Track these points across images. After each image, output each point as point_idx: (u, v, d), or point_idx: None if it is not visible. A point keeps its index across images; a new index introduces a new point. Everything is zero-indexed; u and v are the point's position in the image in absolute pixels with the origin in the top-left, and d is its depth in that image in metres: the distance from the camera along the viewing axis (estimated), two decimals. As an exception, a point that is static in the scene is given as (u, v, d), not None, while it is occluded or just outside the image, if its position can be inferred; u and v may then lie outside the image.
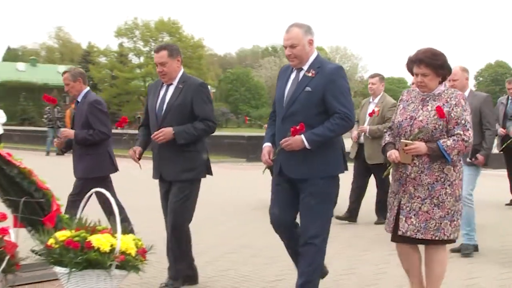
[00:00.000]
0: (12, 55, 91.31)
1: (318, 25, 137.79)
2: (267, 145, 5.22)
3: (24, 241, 5.36)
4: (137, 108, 69.26)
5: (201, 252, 7.46)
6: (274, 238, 5.39)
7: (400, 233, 4.75)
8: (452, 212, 4.72)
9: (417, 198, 4.71)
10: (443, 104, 4.69)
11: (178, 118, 5.75)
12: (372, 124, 9.05)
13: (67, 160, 8.90)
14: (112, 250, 4.42)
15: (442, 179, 4.68)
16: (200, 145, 5.95)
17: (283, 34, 5.08)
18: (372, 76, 9.64)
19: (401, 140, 4.73)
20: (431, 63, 4.68)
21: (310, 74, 5.05)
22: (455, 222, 4.75)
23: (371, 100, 9.52)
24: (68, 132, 7.57)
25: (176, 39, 69.40)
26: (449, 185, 4.69)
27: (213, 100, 6.60)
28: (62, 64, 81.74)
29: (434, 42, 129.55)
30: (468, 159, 7.01)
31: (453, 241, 4.89)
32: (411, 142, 4.63)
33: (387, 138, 5.02)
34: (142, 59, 71.10)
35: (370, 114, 8.93)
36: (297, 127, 4.82)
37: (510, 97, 10.75)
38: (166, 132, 5.67)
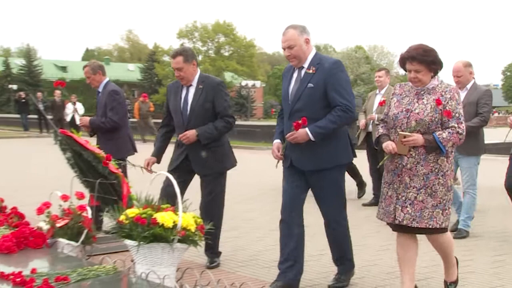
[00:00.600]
0: (89, 55, 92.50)
1: (358, 25, 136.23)
2: (276, 142, 5.11)
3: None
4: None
5: (252, 229, 7.54)
6: (315, 217, 5.38)
7: (396, 222, 4.56)
8: (444, 201, 4.51)
9: (413, 188, 4.49)
10: (439, 97, 4.48)
11: (202, 117, 5.61)
12: (380, 113, 8.81)
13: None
14: (175, 226, 4.48)
15: (436, 170, 4.47)
16: (223, 139, 5.89)
17: (281, 37, 4.91)
18: (379, 70, 9.46)
19: (400, 132, 4.51)
20: (423, 60, 4.46)
21: (311, 71, 4.89)
22: (446, 211, 4.54)
23: (377, 92, 9.29)
24: (84, 120, 7.52)
25: (231, 39, 69.53)
26: (442, 176, 4.48)
27: (262, 94, 6.63)
28: (132, 63, 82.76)
29: (462, 39, 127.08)
30: None
31: (445, 229, 4.63)
32: (409, 134, 4.44)
33: (381, 130, 4.79)
34: (200, 57, 71.38)
35: (381, 103, 8.65)
36: (300, 122, 4.71)
37: None
38: (190, 135, 5.57)
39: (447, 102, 4.45)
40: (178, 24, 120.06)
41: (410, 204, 4.48)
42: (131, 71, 78.84)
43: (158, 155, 5.96)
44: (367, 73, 69.94)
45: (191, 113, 5.74)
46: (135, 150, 7.61)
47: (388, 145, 4.55)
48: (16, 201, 6.43)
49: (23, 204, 6.61)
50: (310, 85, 4.83)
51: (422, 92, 4.56)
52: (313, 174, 4.95)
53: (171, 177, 4.85)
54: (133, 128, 25.67)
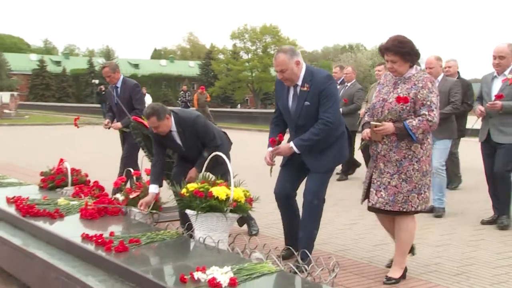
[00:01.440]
0: (157, 54, 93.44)
1: (385, 26, 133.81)
2: (269, 150, 4.66)
3: (165, 191, 5.54)
4: (246, 92, 69.59)
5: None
6: (351, 192, 5.29)
7: (370, 204, 4.25)
8: (420, 186, 4.12)
9: (387, 173, 4.14)
10: (411, 87, 4.10)
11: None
12: None
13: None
14: (227, 198, 4.51)
15: (409, 156, 4.09)
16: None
17: (273, 61, 4.55)
18: (379, 65, 9.02)
19: (371, 122, 4.21)
20: (398, 51, 4.09)
21: (305, 89, 4.53)
22: (422, 195, 4.15)
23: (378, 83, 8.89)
24: (116, 125, 7.36)
25: (276, 40, 69.13)
26: (416, 162, 4.09)
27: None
28: (192, 60, 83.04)
29: (461, 36, 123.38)
30: None
31: (420, 212, 4.25)
32: (379, 123, 4.10)
33: (366, 118, 4.44)
34: (250, 55, 71.25)
35: None
36: (276, 139, 4.52)
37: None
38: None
39: (419, 91, 4.07)
40: (231, 27, 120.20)
41: (384, 189, 4.15)
42: (191, 67, 79.15)
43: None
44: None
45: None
46: None
47: (363, 133, 4.31)
48: (97, 176, 6.57)
49: (103, 179, 6.73)
50: (307, 103, 4.51)
51: (399, 82, 4.21)
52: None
53: (224, 156, 4.86)
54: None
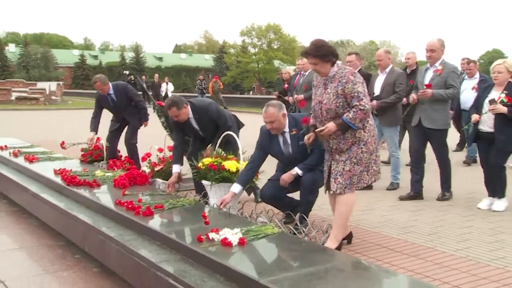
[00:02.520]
0: (178, 49, 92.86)
1: (371, 23, 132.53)
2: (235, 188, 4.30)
3: (184, 164, 5.52)
4: (253, 81, 69.25)
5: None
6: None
7: (331, 192, 3.94)
8: (369, 163, 3.89)
9: (341, 161, 3.88)
10: (337, 84, 3.82)
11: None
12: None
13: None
14: (237, 171, 4.49)
15: (357, 142, 3.85)
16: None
17: (263, 114, 4.39)
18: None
19: (316, 131, 3.94)
20: (315, 55, 3.83)
21: (294, 132, 4.41)
22: (371, 170, 3.92)
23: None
24: (145, 123, 7.08)
25: (278, 36, 68.59)
26: (363, 145, 3.86)
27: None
28: (207, 54, 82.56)
29: (450, 31, 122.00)
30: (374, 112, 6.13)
31: (370, 185, 4.07)
32: (322, 128, 3.84)
33: (311, 120, 4.13)
34: (256, 49, 70.75)
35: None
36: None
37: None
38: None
39: (344, 86, 3.79)
40: (241, 25, 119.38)
41: (340, 175, 3.86)
42: (207, 60, 78.54)
43: None
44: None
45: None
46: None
47: (305, 139, 4.07)
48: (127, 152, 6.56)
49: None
50: (301, 142, 4.29)
51: (327, 82, 3.91)
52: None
53: (234, 135, 4.83)
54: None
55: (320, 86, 4.00)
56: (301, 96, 8.38)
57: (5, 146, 7.46)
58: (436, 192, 5.89)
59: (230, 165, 4.53)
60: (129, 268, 3.40)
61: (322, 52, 3.84)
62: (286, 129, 4.45)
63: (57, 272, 3.82)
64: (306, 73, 8.87)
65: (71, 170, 5.50)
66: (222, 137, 4.94)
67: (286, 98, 8.87)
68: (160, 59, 76.08)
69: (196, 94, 28.35)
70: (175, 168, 5.14)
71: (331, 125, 3.83)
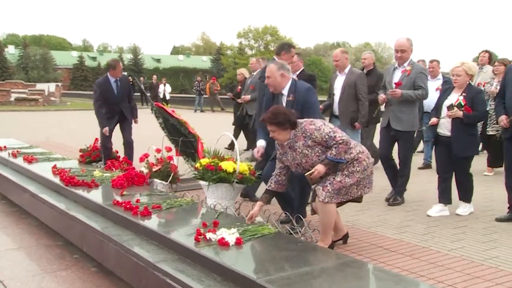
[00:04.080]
0: (175, 50, 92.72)
1: (367, 26, 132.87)
2: (261, 143, 4.55)
3: (182, 165, 5.52)
4: (250, 83, 69.29)
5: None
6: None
7: (320, 200, 3.77)
8: (360, 179, 3.82)
9: (332, 175, 3.77)
10: (305, 140, 3.75)
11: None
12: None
13: (203, 115, 8.98)
14: (234, 171, 4.48)
15: (349, 163, 3.78)
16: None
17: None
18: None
19: (305, 175, 3.80)
20: (272, 122, 3.78)
21: (290, 98, 4.41)
22: (361, 185, 3.84)
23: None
24: (130, 120, 7.18)
25: (275, 38, 68.65)
26: (356, 161, 3.79)
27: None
28: (204, 55, 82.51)
29: (443, 33, 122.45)
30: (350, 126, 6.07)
31: (354, 197, 3.90)
32: (310, 172, 3.75)
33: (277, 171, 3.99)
34: (253, 51, 70.82)
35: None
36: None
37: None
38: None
39: (312, 138, 3.73)
40: (238, 27, 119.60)
41: (329, 184, 3.76)
42: (204, 61, 78.45)
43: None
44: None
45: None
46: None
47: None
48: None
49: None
50: (292, 110, 4.21)
51: (291, 144, 3.82)
52: None
53: (231, 135, 4.83)
54: (205, 102, 25.84)
55: (287, 151, 3.88)
56: (248, 97, 8.24)
57: (4, 146, 7.43)
58: (429, 192, 5.89)
59: (227, 165, 4.52)
60: (127, 268, 3.39)
61: (278, 120, 3.77)
62: (285, 92, 4.46)
63: (56, 271, 3.80)
64: (254, 74, 8.61)
65: (69, 170, 5.48)
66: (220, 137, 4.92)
67: (240, 100, 8.62)
68: (158, 60, 76.00)
69: (192, 96, 28.37)
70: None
71: (320, 167, 3.73)
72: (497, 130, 6.91)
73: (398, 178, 5.60)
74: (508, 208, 5.00)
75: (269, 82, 4.47)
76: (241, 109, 8.78)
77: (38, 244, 4.47)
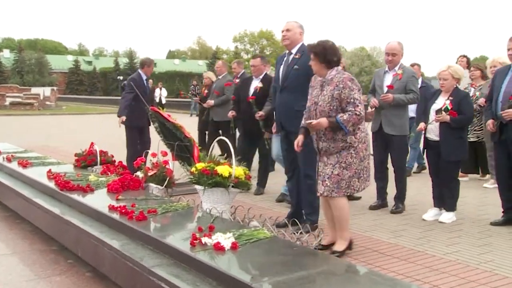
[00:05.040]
0: (171, 55, 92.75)
1: (363, 30, 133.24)
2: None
3: (178, 169, 5.50)
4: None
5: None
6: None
7: (318, 194, 3.96)
8: (359, 170, 3.85)
9: (329, 164, 3.86)
10: (334, 88, 3.82)
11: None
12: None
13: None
14: (230, 176, 4.47)
15: (347, 147, 3.82)
16: None
17: (284, 25, 4.71)
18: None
19: (306, 122, 3.95)
20: (312, 50, 3.94)
21: (297, 56, 4.58)
22: (362, 178, 3.88)
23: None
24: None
25: (271, 42, 68.97)
26: (353, 150, 3.82)
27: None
28: (200, 60, 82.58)
29: (438, 38, 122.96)
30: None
31: (359, 191, 3.97)
32: (311, 121, 3.85)
33: (303, 121, 4.10)
34: (249, 56, 70.98)
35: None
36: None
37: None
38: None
39: (341, 91, 3.79)
40: (233, 31, 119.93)
41: (328, 178, 3.85)
42: (200, 66, 78.35)
43: None
44: (369, 66, 68.13)
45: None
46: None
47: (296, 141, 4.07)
48: (121, 157, 6.53)
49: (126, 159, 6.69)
50: (296, 67, 4.54)
51: (324, 84, 3.92)
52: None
53: (227, 140, 4.82)
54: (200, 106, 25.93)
55: (316, 87, 4.00)
56: (212, 102, 8.06)
57: (-1, 151, 7.40)
58: (425, 196, 5.89)
59: (223, 169, 4.52)
60: (122, 273, 3.37)
61: (316, 50, 3.90)
62: (294, 51, 4.63)
63: (50, 277, 3.78)
64: (220, 77, 8.48)
65: (64, 174, 5.46)
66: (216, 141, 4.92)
67: (205, 105, 8.45)
68: (154, 64, 75.90)
69: (188, 100, 28.36)
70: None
71: (323, 120, 3.81)
72: (478, 137, 6.93)
73: (397, 184, 5.53)
74: (503, 212, 5.02)
75: (287, 36, 4.61)
76: (206, 113, 8.56)
77: (32, 249, 4.44)
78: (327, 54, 3.88)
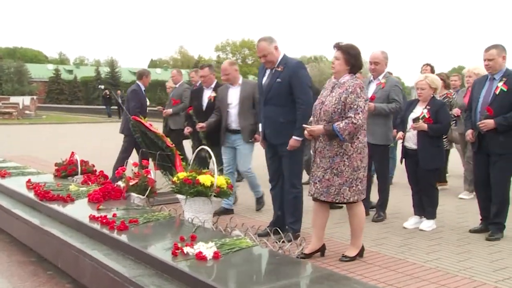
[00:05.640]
0: (153, 64, 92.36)
1: (344, 38, 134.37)
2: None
3: (159, 179, 5.48)
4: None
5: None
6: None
7: (309, 195, 4.07)
8: (351, 180, 3.89)
9: (321, 168, 3.94)
10: (343, 91, 3.89)
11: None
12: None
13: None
14: (212, 185, 4.47)
15: (341, 154, 3.87)
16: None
17: (256, 49, 4.69)
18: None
19: (304, 125, 4.06)
20: (344, 51, 3.97)
21: (279, 69, 4.53)
22: (354, 188, 3.90)
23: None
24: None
25: (253, 52, 69.21)
26: (347, 158, 3.87)
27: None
28: (182, 69, 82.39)
29: (417, 48, 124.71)
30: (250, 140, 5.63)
31: (354, 202, 4.01)
32: (308, 126, 3.98)
33: (310, 119, 4.18)
34: (232, 65, 71.36)
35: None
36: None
37: None
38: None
39: (348, 95, 3.86)
40: (215, 41, 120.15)
41: (319, 181, 3.96)
42: (182, 75, 78.67)
43: None
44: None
45: None
46: None
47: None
48: (102, 166, 6.47)
49: (108, 168, 6.64)
50: (279, 80, 4.51)
51: (335, 86, 4.00)
52: (282, 145, 4.57)
53: (209, 149, 4.81)
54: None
55: (328, 88, 4.09)
56: (170, 111, 8.08)
57: (-23, 161, 7.27)
58: (405, 204, 5.96)
59: (205, 179, 4.51)
60: (103, 284, 3.33)
61: (350, 52, 3.95)
62: (276, 64, 4.58)
63: (29, 288, 3.72)
64: (177, 85, 8.46)
65: (44, 184, 5.39)
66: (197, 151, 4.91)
67: (164, 114, 8.42)
68: (136, 74, 75.68)
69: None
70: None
71: (319, 128, 3.93)
72: (445, 145, 6.97)
73: (380, 193, 5.56)
74: (481, 219, 5.10)
75: (267, 60, 4.56)
76: (165, 122, 8.47)
77: (10, 260, 4.37)
78: (356, 59, 3.98)
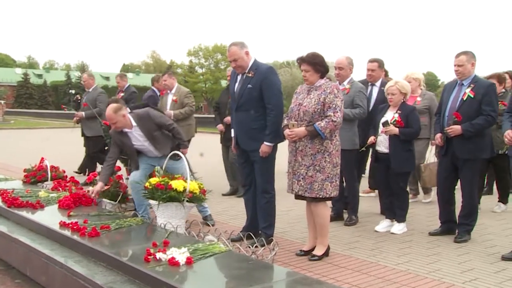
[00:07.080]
0: (125, 68, 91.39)
1: (314, 43, 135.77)
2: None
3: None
4: (200, 101, 69.10)
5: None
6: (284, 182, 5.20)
7: (293, 193, 4.25)
8: (331, 175, 4.11)
9: (304, 166, 4.11)
10: (321, 93, 4.08)
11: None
12: (172, 109, 7.19)
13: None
14: (184, 190, 4.45)
15: (322, 151, 4.07)
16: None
17: (227, 53, 4.62)
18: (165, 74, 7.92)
19: (289, 122, 4.17)
20: (310, 62, 4.13)
21: (250, 75, 4.53)
22: (334, 183, 4.13)
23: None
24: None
25: (225, 56, 68.97)
26: (328, 155, 4.09)
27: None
28: (154, 73, 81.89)
29: (386, 54, 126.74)
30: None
31: (333, 197, 4.25)
32: (295, 122, 4.10)
33: (285, 121, 4.30)
34: (203, 70, 70.98)
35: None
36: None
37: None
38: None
39: (327, 96, 4.06)
40: (188, 46, 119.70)
41: (302, 179, 4.13)
42: (155, 80, 78.10)
43: None
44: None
45: None
46: None
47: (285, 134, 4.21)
48: (72, 172, 6.37)
49: (78, 174, 6.53)
50: (249, 86, 4.51)
51: (311, 90, 4.17)
52: (254, 151, 4.59)
53: (182, 155, 4.79)
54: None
55: (302, 92, 4.24)
56: (82, 114, 8.37)
57: None
58: (377, 207, 6.04)
59: (177, 184, 4.48)
60: (74, 291, 3.28)
61: (315, 61, 4.13)
62: (247, 70, 4.56)
63: (-4, 298, 3.63)
64: (90, 90, 8.66)
65: (12, 191, 5.28)
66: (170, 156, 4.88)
67: (75, 117, 8.67)
68: (107, 78, 74.64)
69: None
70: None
71: (301, 131, 4.08)
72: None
73: (348, 197, 5.60)
74: (441, 223, 5.19)
75: (237, 65, 4.54)
76: (82, 131, 8.56)
77: (-23, 269, 4.25)
78: (322, 64, 4.16)
